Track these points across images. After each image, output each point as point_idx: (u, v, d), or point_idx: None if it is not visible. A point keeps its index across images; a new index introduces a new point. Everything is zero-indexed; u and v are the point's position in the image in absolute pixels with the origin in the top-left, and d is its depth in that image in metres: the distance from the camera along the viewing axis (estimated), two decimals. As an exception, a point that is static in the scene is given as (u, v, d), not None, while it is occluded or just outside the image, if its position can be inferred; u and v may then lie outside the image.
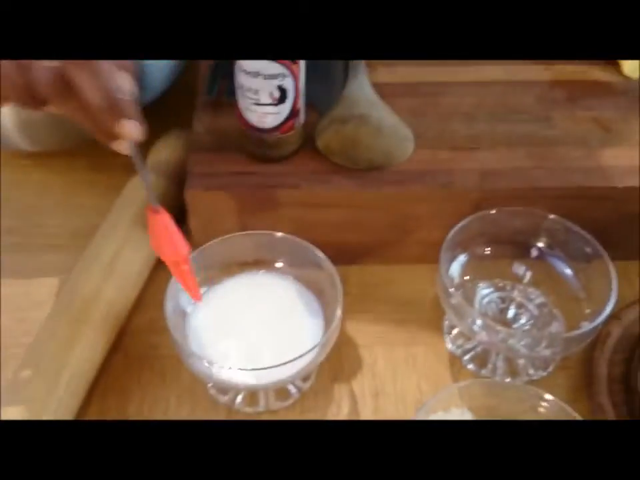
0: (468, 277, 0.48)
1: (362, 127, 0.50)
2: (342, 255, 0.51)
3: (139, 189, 0.53)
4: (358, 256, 0.53)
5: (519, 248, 0.49)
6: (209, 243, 0.45)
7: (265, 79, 0.44)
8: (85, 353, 0.45)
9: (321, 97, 0.54)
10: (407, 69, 0.59)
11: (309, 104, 0.52)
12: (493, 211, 0.47)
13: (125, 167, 0.58)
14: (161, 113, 0.61)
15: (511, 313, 0.48)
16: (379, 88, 0.55)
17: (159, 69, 0.56)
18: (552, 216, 0.47)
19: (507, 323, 0.47)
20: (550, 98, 0.56)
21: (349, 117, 0.50)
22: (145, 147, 0.59)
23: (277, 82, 0.44)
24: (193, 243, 0.49)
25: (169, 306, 0.42)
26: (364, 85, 0.55)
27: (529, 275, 0.49)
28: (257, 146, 0.49)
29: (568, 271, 0.47)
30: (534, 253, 0.48)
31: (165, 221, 0.38)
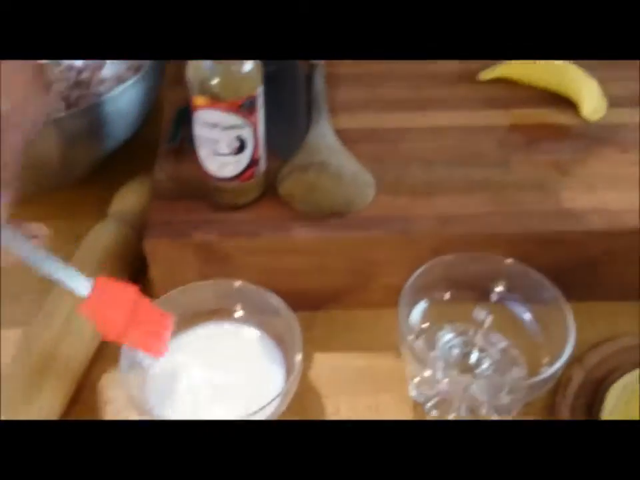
0: (429, 323, 0.49)
1: (322, 174, 0.50)
2: (306, 301, 0.52)
3: (99, 240, 0.53)
4: (322, 301, 0.53)
5: (479, 292, 0.49)
6: (168, 294, 0.45)
7: (223, 130, 0.45)
8: (44, 405, 0.44)
9: (284, 144, 0.54)
10: (368, 115, 0.60)
11: (272, 151, 0.52)
12: (452, 256, 0.47)
13: (88, 214, 0.58)
14: (125, 160, 0.61)
15: (473, 357, 0.48)
16: (341, 134, 0.56)
17: (123, 117, 0.57)
18: (509, 260, 0.47)
19: (470, 368, 0.47)
20: (508, 142, 0.57)
21: (310, 164, 0.51)
22: (109, 195, 0.60)
23: (235, 132, 0.45)
24: (155, 293, 0.49)
25: (125, 362, 0.41)
26: (326, 131, 0.56)
27: (489, 319, 0.49)
28: (217, 194, 0.49)
29: (527, 315, 0.48)
30: (494, 297, 0.49)
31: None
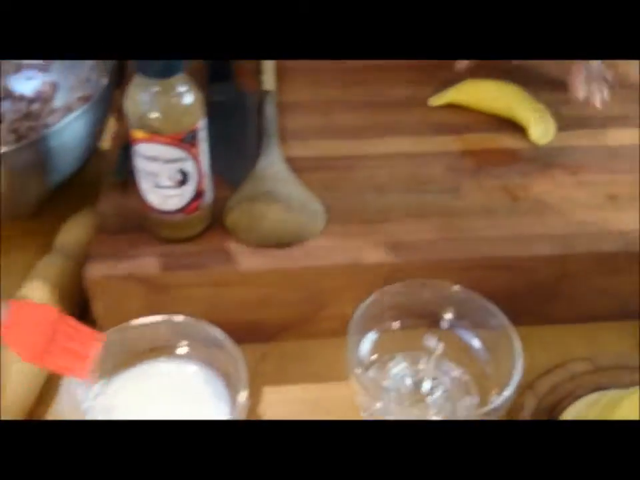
0: (379, 353, 0.48)
1: (270, 204, 0.50)
2: (256, 333, 0.51)
3: (45, 274, 0.52)
4: (273, 333, 0.52)
5: (430, 320, 0.48)
6: (109, 331, 0.44)
7: (164, 163, 0.44)
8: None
9: (233, 173, 0.54)
10: (320, 142, 0.59)
11: (221, 181, 0.52)
12: (400, 285, 0.47)
13: (35, 248, 0.57)
14: (73, 193, 0.60)
15: (425, 386, 0.47)
16: (292, 162, 0.56)
17: (70, 149, 0.56)
18: (457, 287, 0.47)
19: (422, 397, 0.47)
20: (459, 168, 0.57)
21: (258, 194, 0.50)
22: (55, 228, 0.59)
23: (176, 166, 0.44)
24: (98, 329, 0.48)
25: (63, 402, 0.40)
26: (276, 160, 0.55)
27: (440, 347, 0.48)
28: (161, 227, 0.49)
29: (476, 342, 0.47)
30: (444, 324, 0.48)
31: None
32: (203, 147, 0.45)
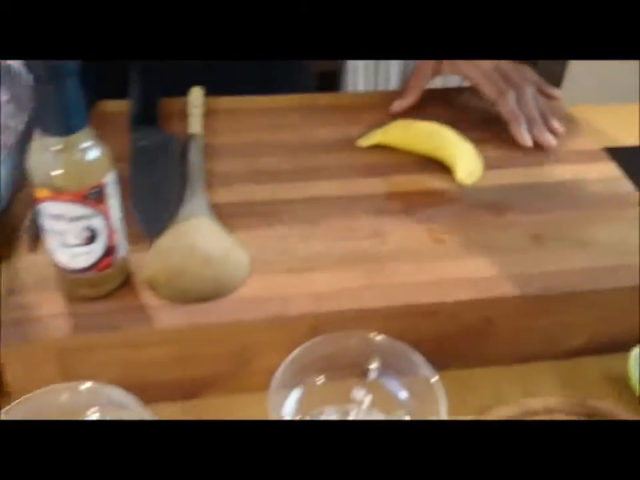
0: (307, 408, 0.46)
1: (190, 257, 0.48)
2: (179, 391, 0.49)
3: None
4: (197, 390, 0.50)
5: (356, 371, 0.47)
6: (15, 402, 0.41)
7: (70, 221, 0.42)
8: None
9: (154, 223, 0.52)
10: (247, 187, 0.58)
11: (140, 232, 0.50)
12: (324, 337, 0.46)
13: None
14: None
15: (354, 440, 0.46)
16: (218, 209, 0.55)
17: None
18: (382, 337, 0.46)
19: (351, 452, 0.46)
20: (385, 211, 0.57)
21: (178, 246, 0.49)
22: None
23: (83, 223, 0.42)
24: (13, 396, 0.45)
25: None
26: (199, 208, 0.54)
27: (368, 398, 0.47)
28: (73, 286, 0.46)
29: (403, 393, 0.46)
30: (371, 375, 0.47)
31: None
32: (113, 202, 0.43)
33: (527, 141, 0.65)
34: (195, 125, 0.63)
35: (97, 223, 0.43)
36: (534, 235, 0.55)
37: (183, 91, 0.68)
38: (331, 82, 1.52)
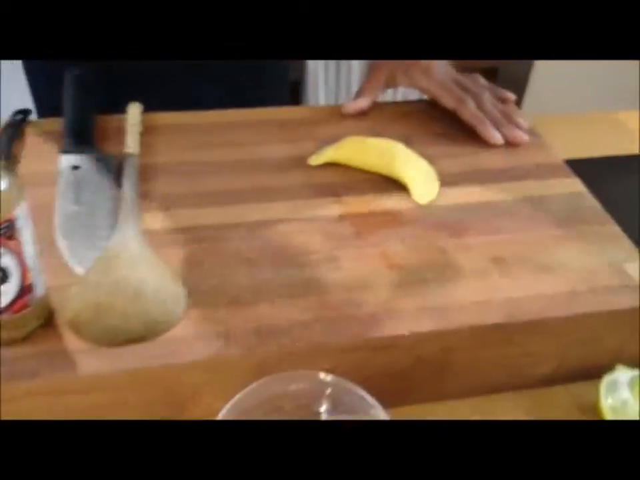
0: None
1: (118, 293, 0.43)
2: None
3: None
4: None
5: (305, 414, 0.43)
6: None
7: (-25, 260, 0.37)
8: None
9: (80, 255, 0.47)
10: (188, 211, 0.54)
11: (65, 264, 0.45)
12: (271, 378, 0.42)
13: None
14: None
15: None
16: (154, 236, 0.50)
17: None
18: (330, 377, 0.42)
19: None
20: (338, 235, 0.53)
21: (104, 280, 0.44)
22: None
23: (-9, 262, 0.38)
24: None
25: None
26: (132, 236, 0.49)
27: (319, 444, 0.43)
28: (-15, 330, 0.41)
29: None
30: (322, 416, 0.43)
31: None
32: (25, 237, 0.39)
33: (498, 138, 0.63)
34: (132, 143, 0.59)
35: (9, 260, 0.38)
36: (494, 257, 0.51)
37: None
38: (292, 94, 1.48)
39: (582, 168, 0.64)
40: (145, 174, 0.57)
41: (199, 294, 0.47)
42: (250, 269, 0.49)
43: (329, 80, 1.47)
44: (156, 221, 0.52)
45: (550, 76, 1.51)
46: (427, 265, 0.50)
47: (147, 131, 0.62)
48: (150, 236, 0.50)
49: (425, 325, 0.46)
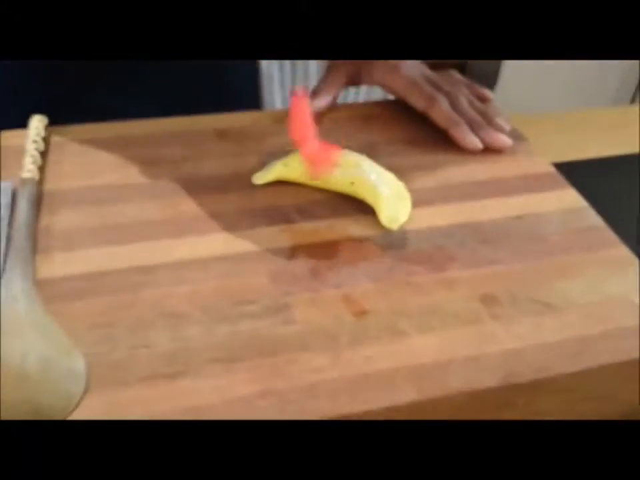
0: None
1: (-9, 373, 0.32)
2: None
3: None
4: None
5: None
6: None
7: None
8: None
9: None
10: (97, 250, 0.42)
11: None
12: None
13: None
14: None
15: None
16: (50, 286, 0.39)
17: None
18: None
19: None
20: (289, 273, 0.42)
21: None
22: None
23: None
24: None
25: None
26: (19, 292, 0.37)
27: None
28: None
29: None
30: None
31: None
32: None
33: (476, 143, 0.53)
34: (30, 165, 0.47)
35: None
36: (484, 295, 0.41)
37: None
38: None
39: (568, 173, 0.54)
40: (47, 204, 0.46)
41: (103, 368, 0.35)
42: (173, 326, 0.38)
43: (285, 81, 1.36)
44: (54, 266, 0.41)
45: (523, 72, 1.42)
46: (403, 310, 0.40)
47: (53, 149, 0.51)
48: (45, 288, 0.39)
49: (404, 395, 0.35)
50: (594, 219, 0.48)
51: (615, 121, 0.70)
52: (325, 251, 0.44)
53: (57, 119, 0.53)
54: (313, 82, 1.37)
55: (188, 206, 0.47)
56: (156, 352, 0.36)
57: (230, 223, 0.45)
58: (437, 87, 0.57)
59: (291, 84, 1.37)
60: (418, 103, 0.56)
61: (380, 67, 0.58)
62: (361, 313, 0.40)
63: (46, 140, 0.50)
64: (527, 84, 1.48)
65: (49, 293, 0.39)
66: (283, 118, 0.55)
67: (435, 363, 0.37)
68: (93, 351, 0.36)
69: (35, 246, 0.42)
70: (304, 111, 0.46)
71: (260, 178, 0.49)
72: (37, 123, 0.51)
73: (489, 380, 0.36)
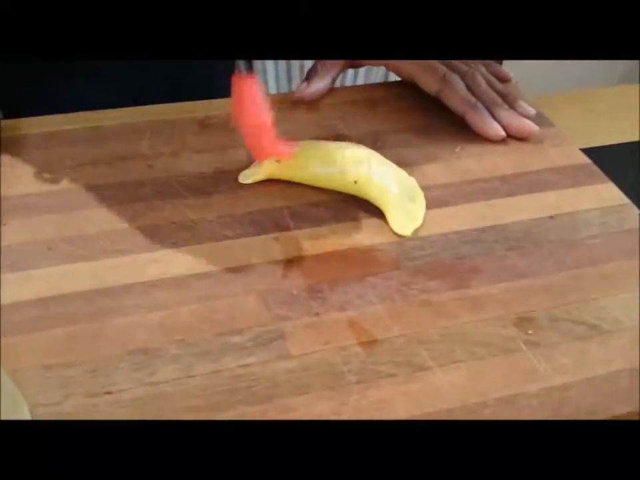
0: None
1: None
2: None
3: None
4: None
5: None
6: None
7: None
8: None
9: None
10: (52, 270, 0.35)
11: None
12: None
13: None
14: None
15: None
16: (-5, 317, 0.32)
17: None
18: None
19: None
20: (282, 294, 0.34)
21: None
22: None
23: None
24: None
25: None
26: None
27: None
28: None
29: None
30: None
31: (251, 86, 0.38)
32: None
33: (497, 130, 0.46)
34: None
35: None
36: (519, 318, 0.34)
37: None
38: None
39: (599, 161, 0.48)
40: (-6, 213, 0.39)
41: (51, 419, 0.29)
42: (141, 364, 0.31)
43: (279, 70, 1.27)
44: (3, 291, 0.34)
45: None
46: (421, 338, 0.33)
47: (6, 147, 0.44)
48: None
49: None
50: (638, 218, 0.41)
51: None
52: (325, 264, 0.37)
53: (11, 111, 0.46)
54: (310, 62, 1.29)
55: (163, 212, 0.39)
56: (120, 400, 0.30)
57: (210, 232, 0.38)
58: (451, 66, 0.50)
59: (286, 72, 1.29)
60: (429, 85, 0.49)
61: None
62: (371, 343, 0.33)
63: (-4, 136, 0.43)
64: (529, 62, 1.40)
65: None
66: (274, 103, 0.48)
67: (463, 408, 0.30)
68: (42, 400, 0.29)
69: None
70: (250, 94, 0.38)
71: (248, 176, 0.42)
72: (-13, 115, 0.44)
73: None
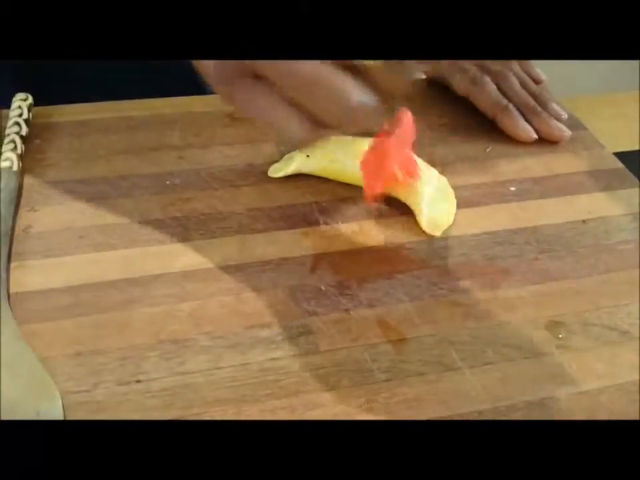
0: None
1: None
2: None
3: None
4: None
5: None
6: None
7: None
8: None
9: None
10: (84, 258, 0.35)
11: None
12: None
13: None
14: None
15: None
16: (26, 302, 0.33)
17: None
18: None
19: None
20: (309, 290, 0.34)
21: None
22: None
23: None
24: None
25: None
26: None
27: None
28: None
29: None
30: None
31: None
32: None
33: (529, 132, 0.46)
34: (9, 154, 0.40)
35: None
36: (549, 321, 0.34)
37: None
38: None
39: (633, 164, 0.47)
40: (27, 200, 0.39)
41: (86, 410, 0.29)
42: (172, 354, 0.31)
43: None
44: (32, 277, 0.34)
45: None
46: (452, 337, 0.33)
47: (41, 133, 0.44)
48: (18, 304, 0.32)
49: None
50: (673, 224, 0.41)
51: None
52: (353, 260, 0.37)
53: (43, 98, 0.46)
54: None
55: (192, 203, 0.40)
56: (150, 389, 0.30)
57: (239, 225, 0.38)
58: (482, 66, 0.49)
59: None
60: (459, 87, 0.48)
61: None
62: (400, 342, 0.33)
63: (29, 123, 0.44)
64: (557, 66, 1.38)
65: (24, 310, 0.32)
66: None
67: (494, 410, 0.30)
68: (73, 387, 0.30)
69: (10, 251, 0.35)
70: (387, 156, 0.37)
71: (277, 170, 0.42)
72: (20, 102, 0.44)
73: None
